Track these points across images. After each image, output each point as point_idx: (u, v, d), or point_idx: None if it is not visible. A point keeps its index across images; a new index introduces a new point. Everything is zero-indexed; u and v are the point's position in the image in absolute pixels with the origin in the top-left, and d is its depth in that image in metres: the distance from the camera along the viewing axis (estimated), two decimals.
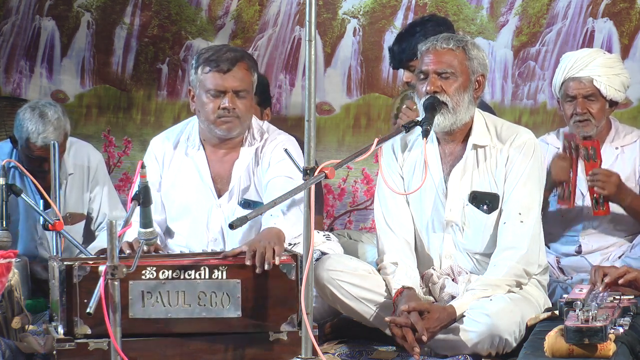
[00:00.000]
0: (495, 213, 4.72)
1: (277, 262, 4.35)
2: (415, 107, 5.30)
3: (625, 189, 5.29)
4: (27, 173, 5.14)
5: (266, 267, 4.34)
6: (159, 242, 4.64)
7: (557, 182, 5.35)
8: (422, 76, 4.71)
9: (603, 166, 5.35)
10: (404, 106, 5.47)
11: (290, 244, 4.63)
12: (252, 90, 4.92)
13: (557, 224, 5.48)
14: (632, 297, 4.27)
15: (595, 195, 5.29)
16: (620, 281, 4.33)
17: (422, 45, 4.76)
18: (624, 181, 5.37)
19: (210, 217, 4.96)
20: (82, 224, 5.90)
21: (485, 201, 4.72)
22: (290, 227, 4.59)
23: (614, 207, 5.34)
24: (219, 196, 4.96)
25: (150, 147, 5.09)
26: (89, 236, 5.88)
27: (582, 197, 5.40)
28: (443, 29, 5.25)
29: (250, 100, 4.92)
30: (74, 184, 5.86)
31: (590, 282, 4.46)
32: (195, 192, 4.96)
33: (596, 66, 5.34)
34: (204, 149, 4.99)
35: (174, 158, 5.02)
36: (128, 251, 4.56)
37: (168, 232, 5.07)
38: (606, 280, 4.33)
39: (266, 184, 4.87)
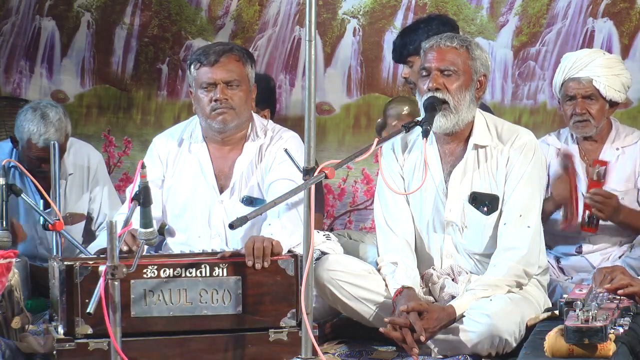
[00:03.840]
0: (494, 214, 4.72)
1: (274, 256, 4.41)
2: (394, 123, 5.35)
3: (619, 207, 5.28)
4: (27, 173, 5.14)
5: (265, 264, 4.37)
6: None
7: (560, 203, 5.35)
8: (424, 73, 4.71)
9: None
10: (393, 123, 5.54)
11: (290, 251, 4.62)
12: (246, 81, 4.88)
13: (558, 224, 5.47)
14: None
15: (589, 212, 5.29)
16: (619, 292, 4.32)
17: (425, 43, 4.76)
18: (624, 182, 5.38)
19: (212, 213, 4.96)
20: (82, 224, 5.91)
21: (484, 202, 4.73)
22: (288, 237, 4.60)
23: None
24: (221, 192, 4.96)
25: (153, 145, 5.09)
26: (89, 236, 5.88)
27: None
28: (447, 29, 5.25)
29: (246, 91, 4.88)
30: (74, 184, 5.86)
31: (592, 284, 4.45)
32: (198, 188, 4.97)
33: (596, 66, 5.33)
34: (207, 145, 4.99)
35: (177, 155, 5.02)
36: (125, 248, 4.53)
37: (169, 231, 5.07)
38: (606, 286, 4.32)
39: (268, 186, 4.87)
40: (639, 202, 5.40)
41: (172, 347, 4.36)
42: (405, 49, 5.47)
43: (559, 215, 5.42)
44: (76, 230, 5.83)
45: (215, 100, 4.84)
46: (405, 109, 5.86)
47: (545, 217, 5.21)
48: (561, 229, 5.40)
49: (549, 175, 5.36)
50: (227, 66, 4.85)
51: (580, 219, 5.35)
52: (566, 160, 5.40)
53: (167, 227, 5.08)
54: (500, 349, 4.47)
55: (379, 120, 6.09)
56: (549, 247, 5.38)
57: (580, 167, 5.40)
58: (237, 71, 4.85)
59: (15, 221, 5.38)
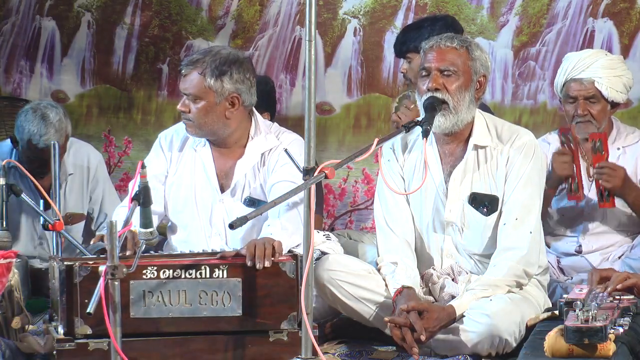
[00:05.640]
0: (494, 215, 4.72)
1: (276, 258, 4.39)
2: (413, 106, 5.31)
3: (630, 183, 5.29)
4: (28, 173, 5.14)
5: (266, 263, 4.36)
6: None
7: (563, 178, 5.35)
8: (424, 73, 4.71)
9: None
10: (403, 106, 5.49)
11: (290, 251, 4.62)
12: (208, 94, 4.83)
13: (557, 223, 5.48)
14: (632, 297, 4.28)
15: (601, 188, 5.29)
16: (619, 286, 4.33)
17: (425, 43, 4.76)
18: None
19: (213, 211, 4.96)
20: (82, 224, 5.91)
21: (484, 203, 4.73)
22: (288, 237, 4.60)
23: (619, 202, 5.34)
24: (222, 191, 4.96)
25: (158, 140, 5.11)
26: (89, 236, 5.88)
27: (588, 191, 5.39)
28: (451, 30, 5.25)
29: (207, 105, 4.84)
30: (74, 184, 5.86)
31: (588, 285, 4.45)
32: (200, 186, 4.98)
33: (598, 68, 5.32)
34: (210, 144, 5.00)
35: (181, 152, 5.04)
36: (128, 252, 4.53)
37: (171, 229, 5.08)
38: (609, 290, 4.32)
39: (270, 188, 4.88)
40: None
41: (172, 347, 4.36)
42: (405, 45, 5.48)
43: (564, 204, 5.43)
44: (76, 230, 5.83)
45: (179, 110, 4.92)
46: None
47: (549, 196, 5.21)
48: (569, 199, 5.39)
49: (548, 171, 5.37)
50: (186, 79, 4.88)
51: (588, 192, 5.35)
52: (564, 134, 5.39)
53: (169, 224, 5.09)
54: (500, 349, 4.47)
55: (393, 112, 6.04)
56: (548, 246, 5.39)
57: (581, 166, 5.39)
58: (194, 85, 4.84)
59: None
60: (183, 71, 4.88)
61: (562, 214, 5.49)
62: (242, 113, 4.93)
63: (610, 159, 5.39)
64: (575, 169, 5.34)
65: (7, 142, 5.82)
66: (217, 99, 4.85)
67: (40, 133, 5.54)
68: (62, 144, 5.59)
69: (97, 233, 5.79)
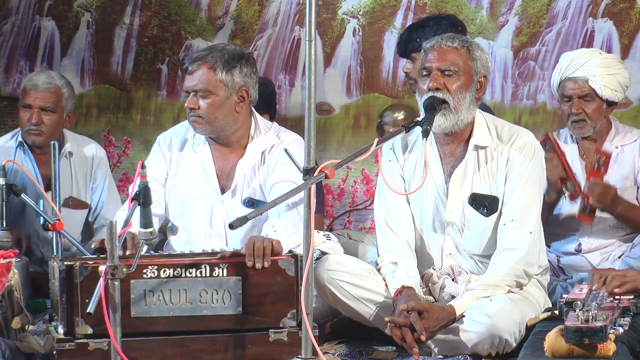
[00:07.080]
0: (494, 216, 4.72)
1: (274, 257, 4.41)
2: (391, 130, 5.37)
3: (617, 200, 5.29)
4: (28, 173, 5.15)
5: (265, 264, 4.36)
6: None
7: (559, 181, 5.35)
8: (424, 72, 4.71)
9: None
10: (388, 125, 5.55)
11: (290, 252, 4.62)
12: (220, 88, 4.83)
13: (556, 223, 5.48)
14: (632, 297, 4.29)
15: (586, 200, 5.29)
16: (616, 290, 4.33)
17: (426, 43, 4.76)
18: (622, 180, 5.38)
19: (213, 212, 4.96)
20: (83, 217, 5.90)
21: (484, 203, 4.72)
22: (288, 237, 4.60)
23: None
24: (223, 192, 4.96)
25: (157, 143, 5.11)
26: (87, 228, 5.89)
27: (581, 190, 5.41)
28: (455, 30, 5.25)
29: (220, 99, 4.85)
30: (77, 172, 5.87)
31: (589, 285, 4.46)
32: (200, 187, 4.98)
33: (591, 66, 5.33)
34: (210, 145, 5.00)
35: (181, 154, 5.03)
36: (128, 252, 4.53)
37: (171, 230, 5.08)
38: (606, 290, 4.33)
39: (270, 188, 4.88)
40: (639, 200, 5.41)
41: (172, 347, 4.36)
42: (410, 44, 5.48)
43: (563, 204, 5.43)
44: (76, 222, 5.83)
45: (187, 108, 4.88)
46: (401, 115, 5.89)
47: (551, 207, 5.22)
48: (571, 199, 5.39)
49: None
50: (195, 75, 4.85)
51: (581, 202, 5.36)
52: (545, 142, 5.39)
53: (169, 225, 5.09)
54: (500, 349, 4.47)
55: (379, 120, 6.11)
56: (548, 245, 5.39)
57: (579, 165, 5.40)
58: (204, 80, 4.83)
59: None
60: (190, 68, 4.85)
61: (562, 214, 5.49)
62: (247, 109, 4.95)
63: (611, 152, 5.39)
64: (566, 168, 5.34)
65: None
66: (227, 93, 4.85)
67: (32, 75, 5.78)
68: (51, 101, 5.68)
69: (96, 237, 5.79)
